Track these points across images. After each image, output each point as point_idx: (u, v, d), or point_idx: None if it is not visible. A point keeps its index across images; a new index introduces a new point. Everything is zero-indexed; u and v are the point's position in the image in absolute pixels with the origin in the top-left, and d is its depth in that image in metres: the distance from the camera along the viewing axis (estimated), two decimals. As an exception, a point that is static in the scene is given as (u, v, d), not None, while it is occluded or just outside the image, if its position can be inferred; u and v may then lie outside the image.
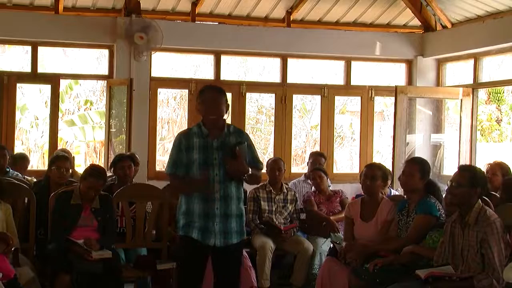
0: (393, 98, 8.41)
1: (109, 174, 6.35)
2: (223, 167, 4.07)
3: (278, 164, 6.47)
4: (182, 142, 4.15)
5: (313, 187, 6.97)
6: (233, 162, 4.02)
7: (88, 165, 5.38)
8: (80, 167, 10.18)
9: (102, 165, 7.58)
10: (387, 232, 4.96)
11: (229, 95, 9.14)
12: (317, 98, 9.29)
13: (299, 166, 12.41)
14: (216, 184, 4.09)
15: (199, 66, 12.65)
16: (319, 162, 7.44)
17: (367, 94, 9.08)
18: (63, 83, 10.94)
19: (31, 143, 12.94)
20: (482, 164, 6.92)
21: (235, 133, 4.19)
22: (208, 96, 4.13)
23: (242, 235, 4.23)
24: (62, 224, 5.08)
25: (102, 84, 11.67)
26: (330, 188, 6.92)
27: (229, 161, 4.03)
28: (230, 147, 4.05)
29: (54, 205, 5.22)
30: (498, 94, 14.87)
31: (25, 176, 6.68)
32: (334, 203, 6.68)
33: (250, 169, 4.12)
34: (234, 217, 4.15)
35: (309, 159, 7.68)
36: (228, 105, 4.21)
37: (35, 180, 6.53)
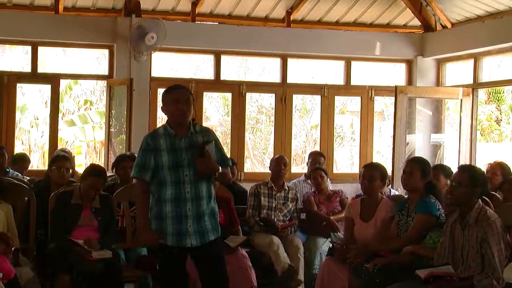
0: (393, 98, 8.42)
1: (110, 174, 6.36)
2: (193, 167, 4.02)
3: (283, 159, 6.52)
4: (150, 144, 4.09)
5: (313, 187, 6.98)
6: (202, 161, 3.99)
7: (88, 164, 5.36)
8: (81, 167, 10.18)
9: (102, 165, 7.58)
10: (387, 232, 4.96)
11: (229, 95, 9.22)
12: (317, 98, 9.30)
13: (299, 166, 12.41)
14: (187, 184, 4.02)
15: (199, 66, 12.67)
16: (319, 161, 7.44)
17: (367, 94, 9.08)
18: (63, 83, 10.94)
19: (31, 143, 12.95)
20: (482, 164, 6.93)
21: (201, 132, 4.14)
22: (174, 97, 4.07)
23: (217, 232, 4.15)
24: (62, 224, 5.07)
25: (102, 84, 11.67)
26: (330, 188, 6.92)
27: (198, 160, 3.99)
28: (198, 146, 4.01)
29: (54, 205, 5.21)
30: (498, 94, 14.86)
31: (25, 177, 6.68)
32: (334, 203, 6.67)
33: (220, 168, 4.08)
34: (206, 216, 4.08)
35: (308, 159, 7.68)
36: (194, 104, 4.16)
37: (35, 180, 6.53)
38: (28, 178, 6.67)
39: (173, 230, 4.03)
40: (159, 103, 10.51)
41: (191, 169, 4.02)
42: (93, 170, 5.26)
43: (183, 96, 4.08)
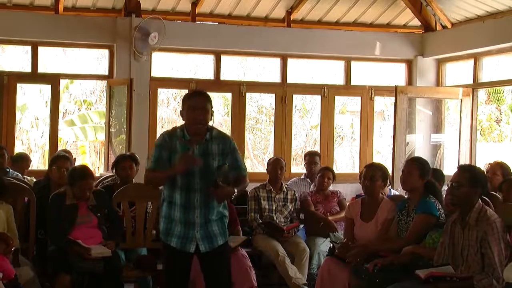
0: (393, 98, 8.42)
1: (110, 174, 6.36)
2: (204, 176, 3.96)
3: (280, 163, 6.49)
4: (166, 141, 4.04)
5: (311, 186, 6.97)
6: (217, 192, 3.90)
7: (70, 170, 5.31)
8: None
9: (102, 165, 7.59)
10: (387, 232, 4.96)
11: (229, 95, 9.22)
12: (317, 98, 9.30)
13: (299, 166, 12.39)
14: (197, 193, 3.98)
15: (199, 66, 12.66)
16: (315, 161, 7.48)
17: (367, 94, 9.09)
18: (63, 83, 10.93)
19: (31, 143, 12.95)
20: (482, 164, 6.93)
21: (217, 139, 4.06)
22: (192, 104, 4.00)
23: (225, 236, 4.14)
24: (59, 226, 5.05)
25: (102, 84, 11.67)
26: (330, 188, 6.92)
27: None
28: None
29: (50, 208, 5.18)
30: (498, 94, 14.87)
31: (25, 177, 6.68)
32: (332, 203, 6.67)
33: (235, 190, 3.97)
34: (214, 222, 4.07)
35: (304, 159, 7.71)
36: (213, 111, 4.06)
37: (34, 180, 6.52)
38: (29, 178, 6.67)
39: (179, 233, 4.03)
40: (159, 103, 10.59)
41: (202, 178, 3.98)
42: (82, 173, 5.20)
43: (200, 104, 3.99)
